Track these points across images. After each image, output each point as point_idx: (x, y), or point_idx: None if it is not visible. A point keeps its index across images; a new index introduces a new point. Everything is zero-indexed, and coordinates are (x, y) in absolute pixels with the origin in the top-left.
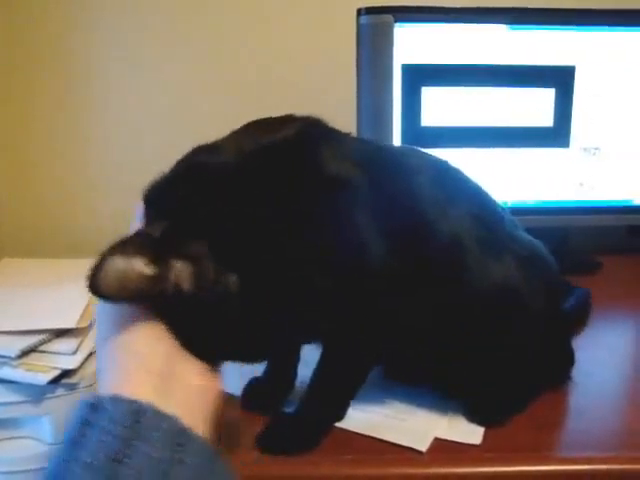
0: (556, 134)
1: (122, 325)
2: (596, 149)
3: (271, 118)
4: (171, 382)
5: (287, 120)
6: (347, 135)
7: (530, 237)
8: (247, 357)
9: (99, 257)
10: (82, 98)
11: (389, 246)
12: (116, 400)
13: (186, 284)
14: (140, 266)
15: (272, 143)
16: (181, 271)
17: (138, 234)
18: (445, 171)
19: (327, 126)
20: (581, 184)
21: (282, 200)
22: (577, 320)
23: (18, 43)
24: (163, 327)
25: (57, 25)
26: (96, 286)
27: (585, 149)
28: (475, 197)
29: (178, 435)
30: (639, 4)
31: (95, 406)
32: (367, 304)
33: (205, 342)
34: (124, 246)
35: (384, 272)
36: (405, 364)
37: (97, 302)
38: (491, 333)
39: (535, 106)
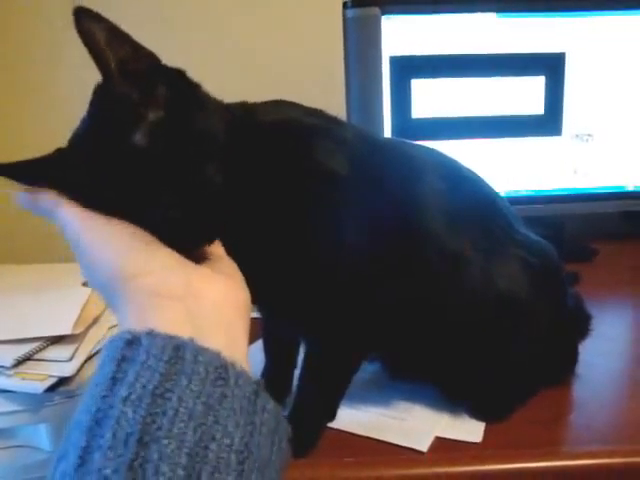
0: (548, 122)
1: (134, 258)
2: (589, 136)
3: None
4: (197, 303)
5: (311, 111)
6: (355, 130)
7: (538, 238)
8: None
9: None
10: (72, 109)
11: (375, 242)
12: (153, 335)
13: None
14: None
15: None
16: None
17: None
18: (453, 172)
19: (335, 119)
20: (575, 171)
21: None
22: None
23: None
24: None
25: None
26: None
27: (577, 136)
28: (482, 201)
29: (220, 370)
30: None
31: (131, 342)
32: (344, 297)
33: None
34: None
35: (363, 268)
36: (405, 362)
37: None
38: (491, 336)
39: (526, 94)
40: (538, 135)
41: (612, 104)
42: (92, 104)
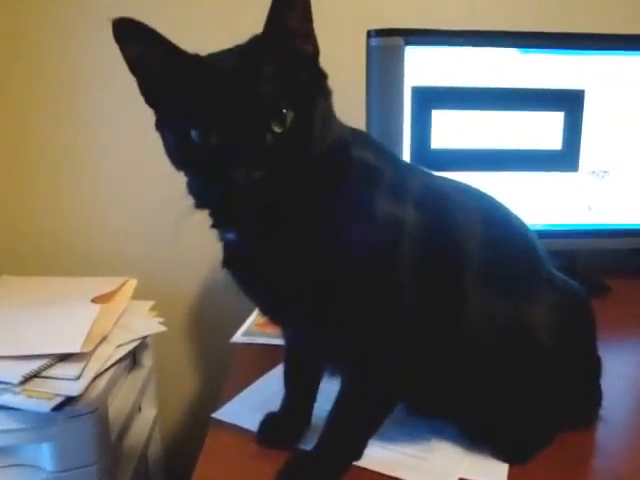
0: (565, 157)
1: None
2: (605, 172)
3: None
4: None
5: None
6: (417, 175)
7: (568, 279)
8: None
9: None
10: (80, 114)
11: (419, 283)
12: None
13: None
14: None
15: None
16: None
17: None
18: (495, 216)
19: (405, 165)
20: (589, 208)
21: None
22: None
23: (18, 54)
24: None
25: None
26: None
27: (593, 172)
28: (519, 243)
29: None
30: None
31: None
32: (392, 331)
33: None
34: None
35: (407, 306)
36: (430, 401)
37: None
38: (517, 379)
39: (544, 129)
40: (555, 170)
41: (629, 142)
42: (245, 47)
